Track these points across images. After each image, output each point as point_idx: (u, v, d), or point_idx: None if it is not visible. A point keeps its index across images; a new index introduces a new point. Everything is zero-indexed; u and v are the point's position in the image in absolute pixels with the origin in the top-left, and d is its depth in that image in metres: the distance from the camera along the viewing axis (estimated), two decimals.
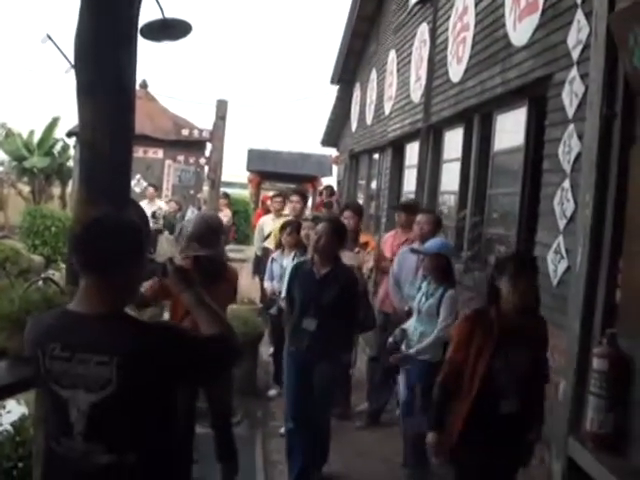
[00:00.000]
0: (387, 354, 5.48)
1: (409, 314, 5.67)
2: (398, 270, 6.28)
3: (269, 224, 9.30)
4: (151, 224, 12.55)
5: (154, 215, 12.77)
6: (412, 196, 9.72)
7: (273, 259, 7.14)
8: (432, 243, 5.34)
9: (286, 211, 8.98)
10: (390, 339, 5.40)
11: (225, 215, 12.72)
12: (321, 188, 17.12)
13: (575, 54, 4.98)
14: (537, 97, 5.99)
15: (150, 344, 2.07)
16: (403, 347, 5.26)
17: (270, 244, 8.06)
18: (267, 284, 7.21)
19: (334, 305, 4.80)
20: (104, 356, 2.02)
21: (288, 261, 6.50)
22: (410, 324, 5.32)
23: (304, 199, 8.36)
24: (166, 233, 12.21)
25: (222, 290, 4.29)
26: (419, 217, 6.20)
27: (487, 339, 3.57)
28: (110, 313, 2.10)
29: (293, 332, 5.03)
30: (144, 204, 13.69)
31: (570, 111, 5.04)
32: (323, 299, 4.83)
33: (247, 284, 9.32)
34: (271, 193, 11.96)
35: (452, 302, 5.14)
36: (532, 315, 3.70)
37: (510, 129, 6.71)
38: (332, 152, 21.35)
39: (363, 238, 7.14)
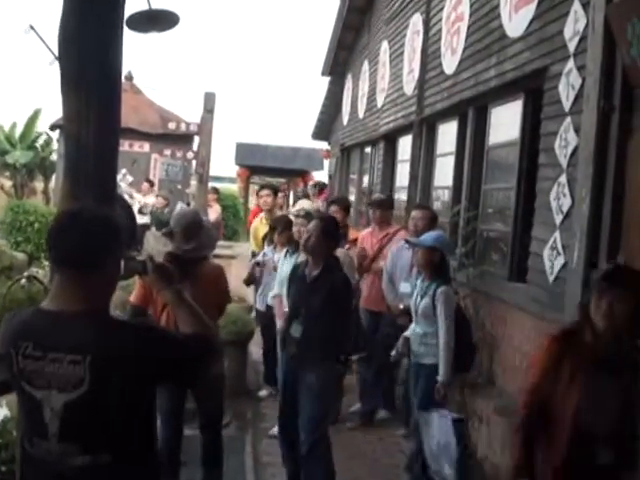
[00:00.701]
0: (381, 357, 5.46)
1: (406, 312, 5.68)
2: (392, 267, 6.29)
3: (262, 230, 8.93)
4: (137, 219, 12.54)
5: (140, 211, 12.76)
6: (405, 191, 9.72)
7: (265, 254, 7.12)
8: (426, 236, 5.27)
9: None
10: (393, 352, 5.28)
11: (215, 211, 12.68)
12: (311, 183, 17.04)
13: (572, 46, 4.99)
14: (533, 90, 5.99)
15: (124, 343, 2.07)
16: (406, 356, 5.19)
17: (265, 249, 7.91)
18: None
19: (321, 311, 4.53)
20: (77, 355, 2.02)
21: (280, 257, 6.47)
22: (411, 328, 5.23)
23: (275, 192, 8.34)
24: (153, 229, 12.17)
25: (203, 289, 4.25)
26: (414, 212, 6.21)
27: (579, 367, 2.94)
28: (84, 311, 2.09)
29: (283, 337, 4.89)
30: (138, 197, 13.74)
31: (567, 104, 5.04)
32: (310, 304, 4.61)
33: (236, 282, 9.30)
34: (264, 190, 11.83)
35: (447, 299, 4.97)
36: (629, 343, 3.02)
37: (505, 122, 6.71)
38: (323, 146, 21.32)
39: (353, 234, 7.15)
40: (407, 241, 5.71)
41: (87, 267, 2.11)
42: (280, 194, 9.79)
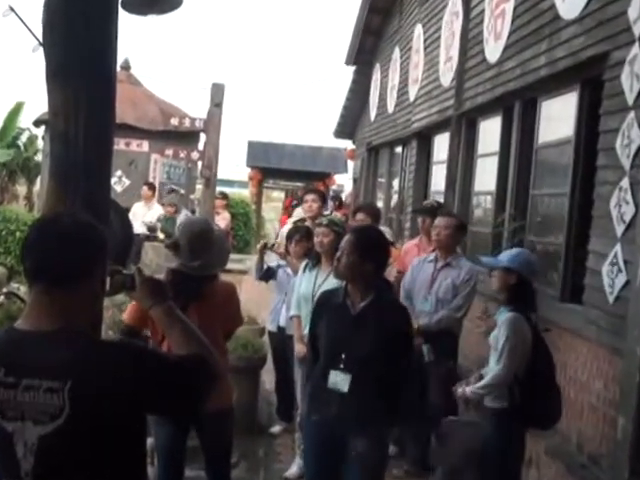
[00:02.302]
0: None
1: (421, 332, 5.72)
2: (411, 282, 6.27)
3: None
4: (142, 232, 12.57)
5: (151, 229, 12.73)
6: (441, 197, 9.68)
7: (279, 265, 7.09)
8: (504, 254, 5.00)
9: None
10: (459, 389, 4.85)
11: (223, 218, 12.69)
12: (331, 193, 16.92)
13: (637, 29, 4.95)
14: (590, 80, 5.96)
15: (109, 367, 2.05)
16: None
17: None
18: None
19: (376, 355, 3.96)
20: (55, 381, 2.00)
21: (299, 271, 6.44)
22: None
23: (322, 198, 8.09)
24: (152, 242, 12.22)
25: (211, 312, 4.22)
26: (437, 220, 6.17)
27: None
28: (63, 330, 2.07)
29: (315, 392, 4.23)
30: (139, 207, 13.71)
31: (630, 96, 5.00)
32: (357, 346, 4.00)
33: (248, 300, 9.29)
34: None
35: (509, 327, 4.60)
36: None
37: (558, 118, 6.67)
38: (347, 145, 21.35)
39: None
40: (478, 261, 5.63)
41: (65, 281, 2.10)
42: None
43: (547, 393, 4.67)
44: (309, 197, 7.65)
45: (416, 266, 6.32)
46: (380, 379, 3.95)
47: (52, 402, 2.00)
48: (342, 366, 4.01)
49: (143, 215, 13.33)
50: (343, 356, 4.02)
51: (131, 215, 13.07)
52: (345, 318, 4.09)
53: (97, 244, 2.19)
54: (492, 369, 4.70)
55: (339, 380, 4.01)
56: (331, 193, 23.04)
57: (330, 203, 12.47)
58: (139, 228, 12.16)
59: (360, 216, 6.98)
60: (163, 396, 2.14)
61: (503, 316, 4.68)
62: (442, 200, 9.51)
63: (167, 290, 2.41)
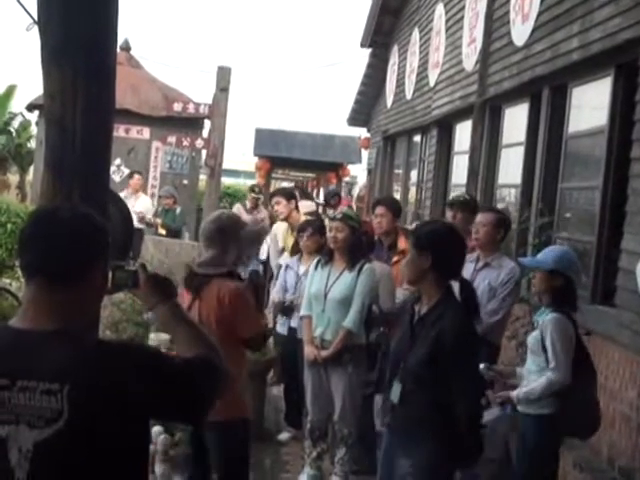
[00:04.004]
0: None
1: None
2: None
3: (283, 235, 8.70)
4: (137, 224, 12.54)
5: (145, 221, 12.66)
6: (462, 189, 9.66)
7: (288, 266, 7.09)
8: (546, 253, 4.92)
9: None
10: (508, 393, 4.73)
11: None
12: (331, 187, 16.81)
13: None
14: (626, 65, 5.94)
15: (111, 368, 2.05)
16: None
17: (287, 259, 7.91)
18: (275, 295, 7.14)
19: (425, 366, 3.82)
20: (52, 383, 2.00)
21: (309, 268, 6.42)
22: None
23: (291, 200, 8.30)
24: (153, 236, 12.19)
25: (211, 314, 4.24)
26: (478, 217, 6.06)
27: None
28: (61, 330, 2.07)
29: (384, 400, 4.25)
30: (125, 197, 13.68)
31: None
32: (411, 355, 3.89)
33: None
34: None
35: (556, 327, 4.53)
36: None
37: (590, 105, 6.65)
38: (361, 133, 21.32)
39: (402, 244, 7.04)
40: (520, 262, 5.55)
41: (67, 277, 2.10)
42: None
43: (589, 400, 4.65)
44: (273, 201, 8.05)
45: None
46: (432, 392, 3.79)
47: (49, 405, 2.00)
48: (399, 375, 3.94)
49: (132, 206, 13.29)
50: (401, 365, 3.95)
51: None
52: (408, 325, 4.01)
53: (98, 238, 2.19)
54: (531, 371, 4.66)
55: (394, 390, 3.95)
56: (343, 185, 23.09)
57: (333, 198, 12.38)
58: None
59: (380, 210, 6.92)
60: (168, 400, 2.14)
61: (544, 317, 4.64)
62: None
63: (172, 288, 2.41)
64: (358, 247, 5.81)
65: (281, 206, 8.12)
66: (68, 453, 2.02)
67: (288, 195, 8.42)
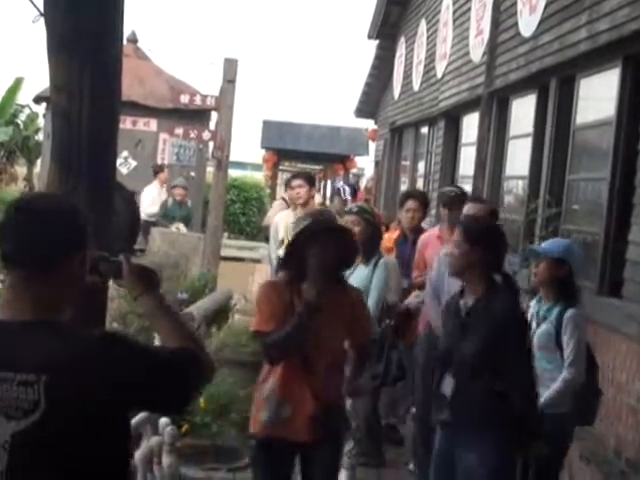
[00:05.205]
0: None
1: None
2: (437, 278, 6.04)
3: (287, 223, 8.63)
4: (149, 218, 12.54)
5: (166, 216, 12.60)
6: (470, 181, 9.64)
7: None
8: (551, 243, 4.94)
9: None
10: None
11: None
12: (341, 182, 16.59)
13: None
14: (634, 56, 5.92)
15: (89, 359, 2.05)
16: None
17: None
18: None
19: (481, 357, 3.89)
20: (29, 374, 2.00)
21: None
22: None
23: (311, 183, 7.98)
24: (159, 227, 12.18)
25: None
26: (466, 208, 5.94)
27: None
28: (40, 320, 2.07)
29: (435, 396, 4.20)
30: (152, 190, 13.63)
31: None
32: (462, 348, 3.97)
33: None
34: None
35: (577, 325, 4.50)
36: None
37: (597, 97, 6.64)
38: (368, 125, 21.31)
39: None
40: (530, 250, 5.48)
41: (40, 268, 2.10)
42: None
43: (596, 391, 4.71)
44: (295, 183, 7.57)
45: (443, 260, 6.07)
46: (489, 381, 3.88)
47: (26, 396, 2.00)
48: (450, 370, 4.02)
49: (160, 200, 13.29)
50: (452, 359, 4.03)
51: (149, 201, 13.09)
52: (456, 318, 4.11)
53: (76, 228, 2.18)
54: (546, 369, 4.59)
55: (445, 385, 4.03)
56: (351, 177, 23.03)
57: (347, 191, 12.08)
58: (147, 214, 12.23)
59: (411, 204, 6.89)
60: (148, 391, 2.14)
61: (555, 312, 4.58)
62: (471, 185, 9.49)
63: (157, 279, 2.41)
64: (374, 241, 5.81)
65: (303, 191, 7.69)
66: (46, 444, 2.02)
67: (312, 180, 8.16)
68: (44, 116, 20.17)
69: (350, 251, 4.12)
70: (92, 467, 2.09)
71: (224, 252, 11.11)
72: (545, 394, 4.48)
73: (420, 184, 13.66)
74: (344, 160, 22.54)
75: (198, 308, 7.42)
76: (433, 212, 9.81)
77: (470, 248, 4.00)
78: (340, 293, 4.02)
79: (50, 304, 2.12)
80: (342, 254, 3.99)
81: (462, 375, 3.95)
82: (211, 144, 11.14)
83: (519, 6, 8.25)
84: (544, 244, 4.97)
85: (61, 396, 2.00)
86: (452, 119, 11.53)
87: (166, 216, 12.61)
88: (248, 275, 11.14)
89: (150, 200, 13.07)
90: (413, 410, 6.22)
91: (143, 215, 13.22)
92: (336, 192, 11.41)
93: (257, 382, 4.11)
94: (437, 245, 6.23)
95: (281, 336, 3.79)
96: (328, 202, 18.89)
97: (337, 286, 4.02)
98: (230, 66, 9.92)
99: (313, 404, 3.83)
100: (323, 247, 3.86)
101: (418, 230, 6.80)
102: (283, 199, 11.57)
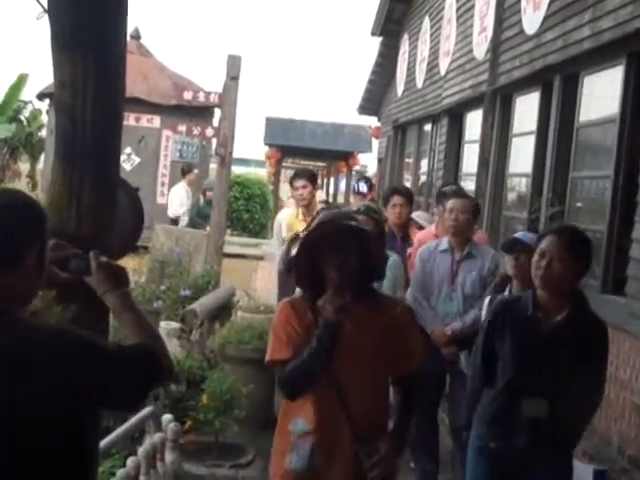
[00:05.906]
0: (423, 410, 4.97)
1: (455, 340, 5.30)
2: (423, 276, 5.65)
3: (289, 221, 7.92)
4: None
5: (200, 215, 12.64)
6: (473, 179, 9.64)
7: None
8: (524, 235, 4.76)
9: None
10: None
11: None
12: (356, 175, 16.72)
13: None
14: (637, 53, 5.92)
15: (44, 355, 2.03)
16: None
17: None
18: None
19: (574, 376, 3.67)
20: None
21: None
22: None
23: (313, 183, 7.76)
24: (163, 224, 12.19)
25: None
26: (452, 203, 5.57)
27: None
28: None
29: (497, 417, 3.87)
30: (180, 192, 13.64)
31: None
32: (554, 369, 3.70)
33: (263, 287, 9.31)
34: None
35: None
36: None
37: (601, 94, 6.63)
38: (372, 122, 21.30)
39: (415, 236, 6.87)
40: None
41: (1, 261, 2.10)
42: None
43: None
44: (298, 183, 7.34)
45: (427, 258, 5.66)
46: (576, 400, 3.69)
47: None
48: (537, 390, 3.73)
49: (188, 201, 13.37)
50: (538, 380, 3.74)
51: (177, 202, 13.18)
52: (537, 335, 3.74)
53: (31, 224, 2.17)
54: None
55: (534, 406, 3.74)
56: (353, 174, 23.01)
57: (362, 185, 11.79)
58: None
59: (397, 199, 6.73)
60: (100, 387, 2.13)
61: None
62: (474, 183, 9.50)
63: (124, 276, 2.41)
64: (383, 240, 5.69)
65: (307, 191, 7.45)
66: (4, 441, 2.00)
67: (314, 179, 7.86)
68: (47, 112, 20.16)
69: (375, 256, 3.34)
70: (50, 465, 2.07)
71: (227, 249, 11.12)
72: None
73: (423, 181, 13.66)
74: (347, 157, 22.55)
75: (201, 305, 7.43)
76: (434, 210, 9.76)
77: (575, 261, 3.70)
78: (374, 308, 3.28)
79: (9, 299, 2.10)
80: (366, 259, 3.25)
81: (553, 396, 3.69)
82: (214, 141, 11.12)
83: (523, 3, 8.23)
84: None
85: (8, 391, 1.99)
86: (455, 116, 11.52)
87: (200, 215, 12.66)
88: (251, 272, 11.17)
89: (178, 201, 13.25)
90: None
91: (171, 215, 13.40)
92: (352, 191, 11.29)
93: (277, 413, 3.61)
94: (432, 244, 5.91)
95: (296, 366, 3.18)
96: (331, 199, 18.94)
97: (367, 299, 3.30)
98: (233, 63, 9.90)
99: (353, 448, 3.19)
100: (338, 251, 3.18)
101: (405, 226, 6.73)
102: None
